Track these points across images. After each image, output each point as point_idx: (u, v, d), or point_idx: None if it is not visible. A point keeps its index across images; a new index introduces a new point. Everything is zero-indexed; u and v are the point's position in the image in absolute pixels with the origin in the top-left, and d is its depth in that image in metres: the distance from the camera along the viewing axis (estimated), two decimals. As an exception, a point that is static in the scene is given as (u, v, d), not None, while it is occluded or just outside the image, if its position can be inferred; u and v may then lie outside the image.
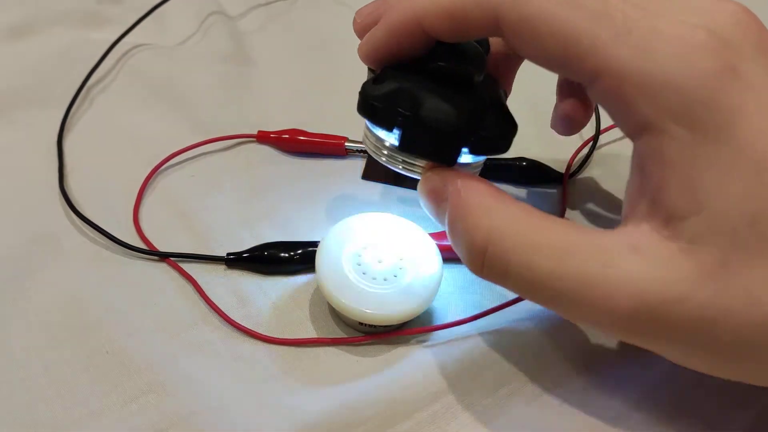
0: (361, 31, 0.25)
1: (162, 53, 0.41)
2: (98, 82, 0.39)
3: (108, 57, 0.39)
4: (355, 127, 0.35)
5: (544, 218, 0.21)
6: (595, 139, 0.36)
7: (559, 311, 0.21)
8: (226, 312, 0.27)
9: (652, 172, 0.19)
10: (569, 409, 0.25)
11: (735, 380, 0.20)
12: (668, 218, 0.19)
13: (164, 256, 0.30)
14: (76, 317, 0.27)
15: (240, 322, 0.27)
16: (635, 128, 0.20)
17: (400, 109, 0.22)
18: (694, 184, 0.18)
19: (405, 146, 0.23)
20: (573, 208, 0.33)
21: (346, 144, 0.34)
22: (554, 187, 0.34)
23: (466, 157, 0.23)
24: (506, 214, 0.21)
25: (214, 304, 0.28)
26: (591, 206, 0.33)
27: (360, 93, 0.23)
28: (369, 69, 0.25)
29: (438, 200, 0.23)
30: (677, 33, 0.19)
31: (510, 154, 0.33)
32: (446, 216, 0.22)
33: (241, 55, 0.41)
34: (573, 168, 0.34)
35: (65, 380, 0.25)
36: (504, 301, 0.27)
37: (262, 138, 0.35)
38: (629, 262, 0.19)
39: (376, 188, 0.33)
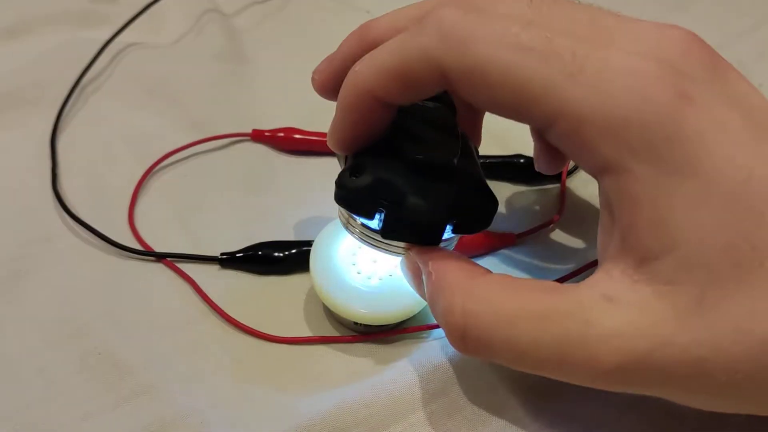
0: (321, 88, 0.25)
1: (156, 52, 0.41)
2: (92, 81, 0.38)
3: (102, 56, 0.39)
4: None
5: (520, 287, 0.20)
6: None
7: (547, 375, 0.20)
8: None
9: (620, 213, 0.19)
10: (569, 408, 0.24)
11: (745, 414, 0.20)
12: (640, 260, 0.18)
13: (158, 257, 0.29)
14: (69, 319, 0.27)
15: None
16: (598, 169, 0.19)
17: (381, 203, 0.22)
18: (664, 221, 0.18)
19: (387, 234, 0.23)
20: (571, 205, 0.32)
21: None
22: (553, 184, 0.33)
23: (447, 234, 0.23)
24: (480, 292, 0.20)
25: (213, 302, 0.28)
26: (590, 203, 0.33)
27: (337, 185, 0.22)
28: (340, 157, 0.25)
29: (418, 279, 0.23)
30: (628, 66, 0.18)
31: (508, 151, 0.33)
32: (427, 292, 0.22)
33: (236, 53, 0.41)
34: (571, 164, 0.34)
35: (58, 382, 0.25)
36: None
37: (257, 137, 0.35)
38: (606, 316, 0.18)
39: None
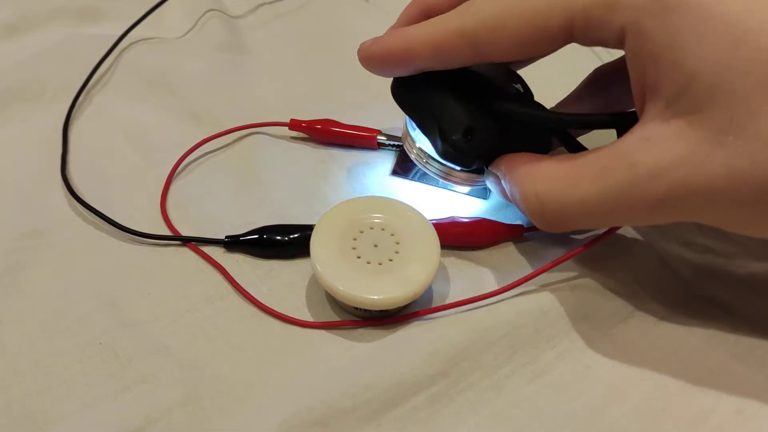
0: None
1: (160, 46, 0.41)
2: (99, 76, 0.38)
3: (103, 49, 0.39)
4: (355, 119, 0.35)
5: (573, 158, 0.23)
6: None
7: (614, 224, 0.24)
8: (222, 297, 0.28)
9: (642, 67, 0.21)
10: (569, 388, 0.24)
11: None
12: (667, 101, 0.21)
13: (165, 239, 0.29)
14: (69, 308, 0.27)
15: (237, 309, 0.27)
16: (618, 36, 0.21)
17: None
18: (679, 61, 0.20)
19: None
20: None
21: (378, 137, 0.34)
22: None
23: None
24: (547, 175, 0.24)
25: (236, 282, 0.28)
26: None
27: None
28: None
29: (501, 187, 0.27)
30: None
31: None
32: (509, 192, 0.26)
33: (237, 45, 0.41)
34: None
35: (58, 372, 0.25)
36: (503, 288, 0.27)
37: (294, 126, 0.35)
38: (647, 155, 0.21)
39: (410, 184, 0.33)
